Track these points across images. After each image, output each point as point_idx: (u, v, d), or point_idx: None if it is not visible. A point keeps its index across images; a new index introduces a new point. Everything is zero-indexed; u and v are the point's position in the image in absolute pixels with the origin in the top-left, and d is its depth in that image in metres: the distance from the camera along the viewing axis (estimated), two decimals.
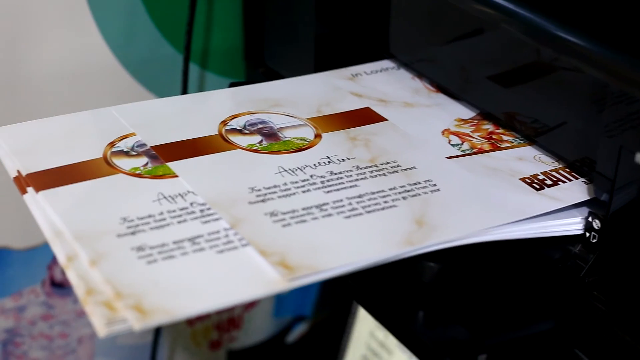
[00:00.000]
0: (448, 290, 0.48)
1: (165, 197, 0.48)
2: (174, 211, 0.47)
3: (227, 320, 0.93)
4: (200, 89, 0.76)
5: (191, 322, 0.90)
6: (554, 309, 0.48)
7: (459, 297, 0.48)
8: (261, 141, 0.55)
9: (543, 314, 0.48)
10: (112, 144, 0.53)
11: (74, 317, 0.83)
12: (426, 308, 0.47)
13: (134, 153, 0.52)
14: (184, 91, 0.72)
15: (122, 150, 0.52)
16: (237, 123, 0.57)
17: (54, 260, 0.79)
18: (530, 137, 0.56)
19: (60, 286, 0.81)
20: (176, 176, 0.50)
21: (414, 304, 0.48)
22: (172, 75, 0.75)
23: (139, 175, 0.50)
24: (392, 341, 0.83)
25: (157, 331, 0.86)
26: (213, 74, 0.77)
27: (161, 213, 0.47)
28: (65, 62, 0.71)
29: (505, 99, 0.56)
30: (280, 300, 0.96)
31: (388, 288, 0.49)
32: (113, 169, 0.50)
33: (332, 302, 1.01)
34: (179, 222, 0.46)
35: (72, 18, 0.69)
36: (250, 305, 0.93)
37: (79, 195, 0.48)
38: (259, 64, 0.72)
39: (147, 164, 0.51)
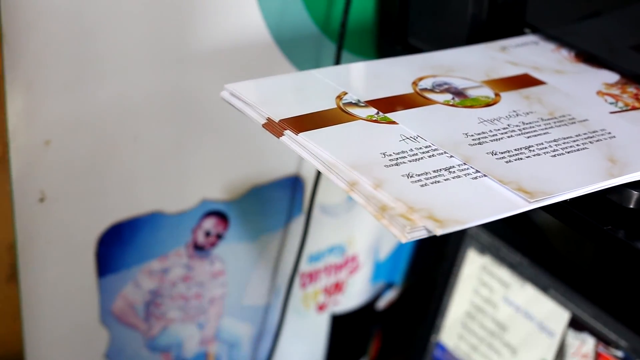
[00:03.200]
0: None
1: (408, 138, 0.57)
2: (420, 148, 0.56)
3: (334, 285, 1.01)
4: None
5: (304, 284, 0.98)
6: None
7: None
8: (453, 98, 0.63)
9: None
10: (339, 97, 0.61)
11: (209, 278, 0.90)
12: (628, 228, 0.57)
13: (363, 104, 0.60)
14: None
15: (351, 101, 0.61)
16: (425, 84, 0.65)
17: (198, 225, 0.87)
18: None
19: (201, 249, 0.88)
20: (396, 123, 0.59)
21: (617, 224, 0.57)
22: (317, 54, 0.83)
23: (375, 121, 0.59)
24: (498, 295, 0.92)
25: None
26: (348, 52, 0.85)
27: (411, 149, 0.55)
28: (228, 38, 0.78)
29: None
30: (378, 266, 1.04)
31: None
32: (352, 117, 0.59)
33: (422, 270, 1.10)
34: (429, 156, 0.55)
35: None
36: (353, 270, 1.01)
37: (336, 135, 0.56)
38: (398, 42, 0.81)
39: (377, 112, 0.60)
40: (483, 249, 0.93)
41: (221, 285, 0.92)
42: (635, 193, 0.55)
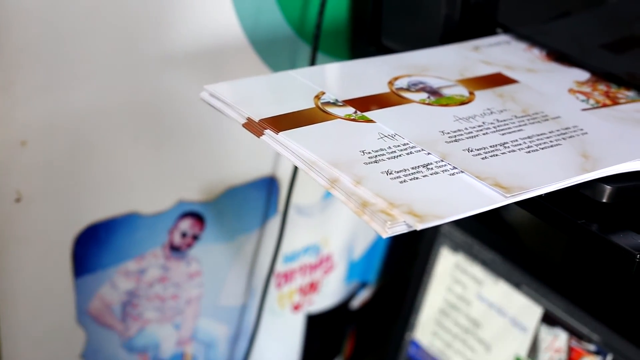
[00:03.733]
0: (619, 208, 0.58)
1: (386, 136, 0.58)
2: (398, 146, 0.57)
3: (309, 285, 1.01)
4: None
5: (280, 284, 0.99)
6: None
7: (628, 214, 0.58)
8: (428, 97, 0.65)
9: None
10: (317, 97, 0.62)
11: (185, 279, 0.91)
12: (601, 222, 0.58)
13: (340, 104, 0.61)
14: None
15: (329, 101, 0.62)
16: (401, 83, 0.66)
17: (174, 225, 0.87)
18: None
19: (178, 250, 0.89)
20: (374, 122, 0.60)
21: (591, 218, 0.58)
22: (292, 55, 0.84)
23: (354, 120, 0.59)
24: (471, 292, 0.93)
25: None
26: (322, 53, 0.86)
27: (390, 147, 0.56)
28: (204, 40, 0.79)
29: (626, 61, 0.67)
30: (352, 266, 1.05)
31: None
32: (330, 116, 0.60)
33: (395, 269, 1.11)
34: (408, 153, 0.56)
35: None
36: (328, 270, 1.02)
37: (315, 134, 0.57)
38: (372, 43, 0.82)
39: (355, 111, 0.60)
40: (456, 247, 0.94)
41: (197, 286, 0.92)
42: (607, 187, 0.57)
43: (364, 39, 0.84)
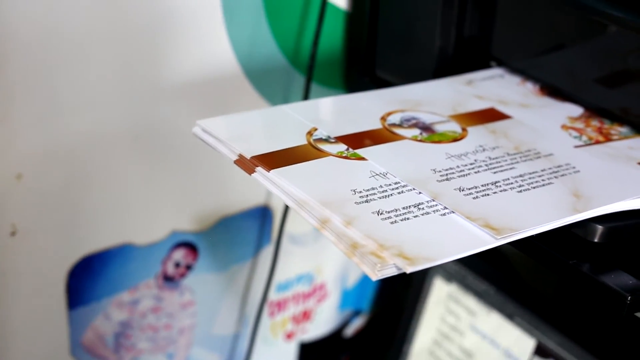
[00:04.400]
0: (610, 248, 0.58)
1: (378, 174, 0.58)
2: (390, 185, 0.57)
3: (302, 313, 1.01)
4: (305, 98, 0.86)
5: (273, 313, 0.99)
6: None
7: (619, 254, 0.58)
8: (421, 133, 0.65)
9: None
10: (310, 133, 0.62)
11: (179, 309, 0.91)
12: (592, 262, 0.58)
13: (333, 140, 0.62)
14: None
15: (322, 137, 0.62)
16: (394, 119, 0.66)
17: (168, 256, 0.87)
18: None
19: (171, 280, 0.89)
20: (365, 159, 0.60)
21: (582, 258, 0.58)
22: (286, 86, 0.84)
23: (346, 158, 0.60)
24: (464, 323, 0.93)
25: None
26: (316, 84, 0.87)
27: (381, 186, 0.56)
28: (199, 71, 0.79)
29: (619, 96, 0.68)
30: (345, 294, 1.05)
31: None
32: (322, 153, 0.60)
33: (389, 297, 1.11)
34: (399, 193, 0.56)
35: (206, 26, 0.78)
36: (321, 298, 1.02)
37: (307, 172, 0.57)
38: (366, 74, 0.82)
39: (347, 148, 0.61)
40: (450, 277, 0.94)
41: (191, 316, 0.92)
42: (599, 227, 0.57)
43: (359, 70, 0.84)
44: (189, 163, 0.84)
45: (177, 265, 0.89)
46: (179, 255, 0.88)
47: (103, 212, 0.81)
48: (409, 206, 0.55)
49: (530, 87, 0.75)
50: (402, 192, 0.57)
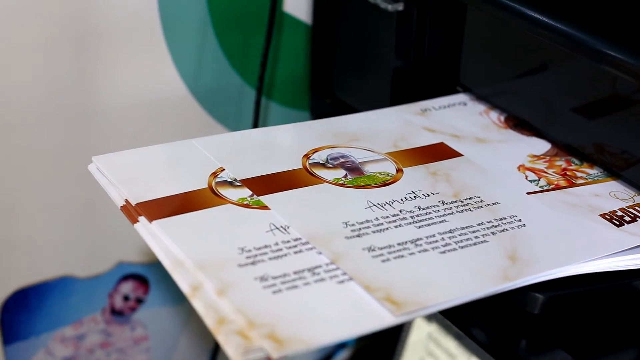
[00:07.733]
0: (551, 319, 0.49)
1: (277, 228, 0.49)
2: (288, 242, 0.49)
3: None
4: (264, 119, 0.78)
5: None
6: None
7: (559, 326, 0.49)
8: (346, 175, 0.56)
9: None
10: (214, 175, 0.54)
11: (130, 344, 0.84)
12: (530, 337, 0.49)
13: (238, 184, 0.53)
14: (255, 123, 0.74)
15: (226, 180, 0.54)
16: (319, 157, 0.58)
17: (115, 289, 0.81)
18: (617, 170, 0.57)
19: (120, 314, 0.82)
20: (268, 208, 0.52)
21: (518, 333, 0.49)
22: (239, 105, 0.76)
23: (247, 206, 0.51)
24: None
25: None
26: (276, 104, 0.79)
27: (276, 243, 0.48)
28: (139, 91, 0.72)
29: (594, 130, 0.58)
30: None
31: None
32: (221, 200, 0.52)
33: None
34: (295, 252, 0.48)
35: (147, 47, 0.71)
36: None
37: (194, 224, 0.49)
38: (326, 95, 0.74)
39: (252, 195, 0.53)
40: (430, 317, 0.85)
41: (145, 351, 0.86)
42: (539, 297, 0.48)
43: (317, 90, 0.76)
44: None
45: (126, 298, 0.82)
46: (127, 288, 0.82)
47: (38, 244, 0.74)
48: (303, 270, 0.47)
49: (494, 118, 0.66)
50: (300, 251, 0.49)
